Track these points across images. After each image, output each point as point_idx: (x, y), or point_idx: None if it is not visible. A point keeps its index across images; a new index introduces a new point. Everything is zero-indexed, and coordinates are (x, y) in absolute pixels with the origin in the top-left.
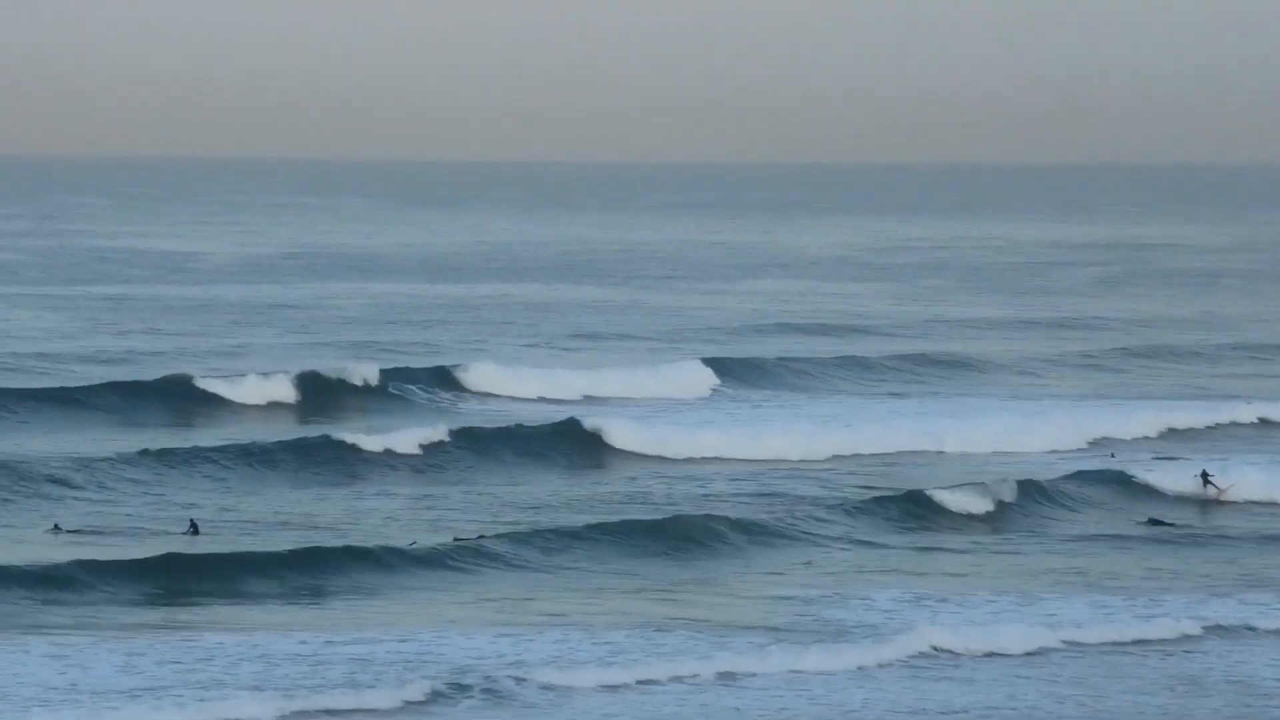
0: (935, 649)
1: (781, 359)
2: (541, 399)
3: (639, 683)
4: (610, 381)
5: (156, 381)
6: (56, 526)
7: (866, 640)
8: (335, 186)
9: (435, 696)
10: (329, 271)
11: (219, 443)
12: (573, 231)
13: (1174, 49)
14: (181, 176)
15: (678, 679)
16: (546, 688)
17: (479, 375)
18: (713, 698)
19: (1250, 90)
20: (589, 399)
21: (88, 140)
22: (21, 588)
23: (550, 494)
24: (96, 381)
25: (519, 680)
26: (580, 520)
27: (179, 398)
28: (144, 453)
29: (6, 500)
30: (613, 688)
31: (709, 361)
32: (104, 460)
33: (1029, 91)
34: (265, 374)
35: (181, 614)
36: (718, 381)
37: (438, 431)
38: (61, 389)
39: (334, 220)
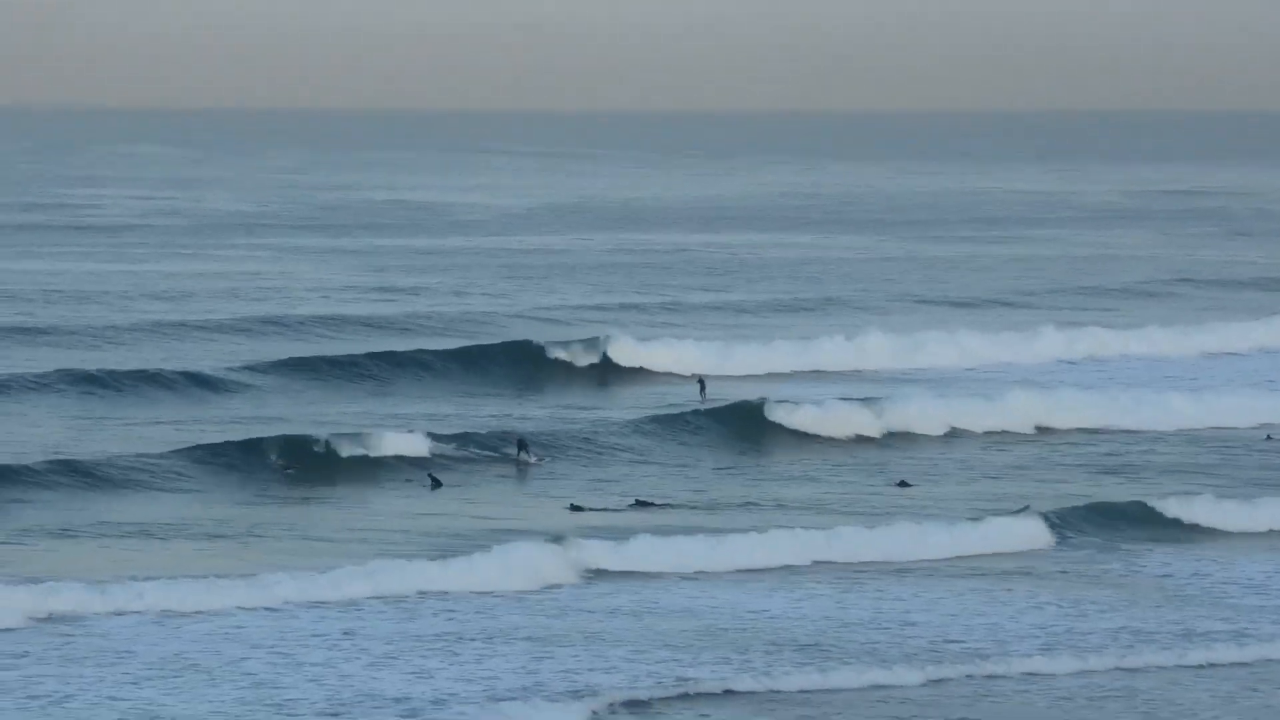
0: None
1: None
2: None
3: None
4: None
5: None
6: (574, 506)
7: None
8: (593, 140)
9: None
10: (637, 222)
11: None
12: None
13: None
14: (385, 128)
15: None
16: None
17: None
18: None
19: None
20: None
21: (272, 94)
22: None
23: None
24: (492, 341)
25: None
26: None
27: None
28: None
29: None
30: None
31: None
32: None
33: None
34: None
35: None
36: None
37: None
38: (464, 348)
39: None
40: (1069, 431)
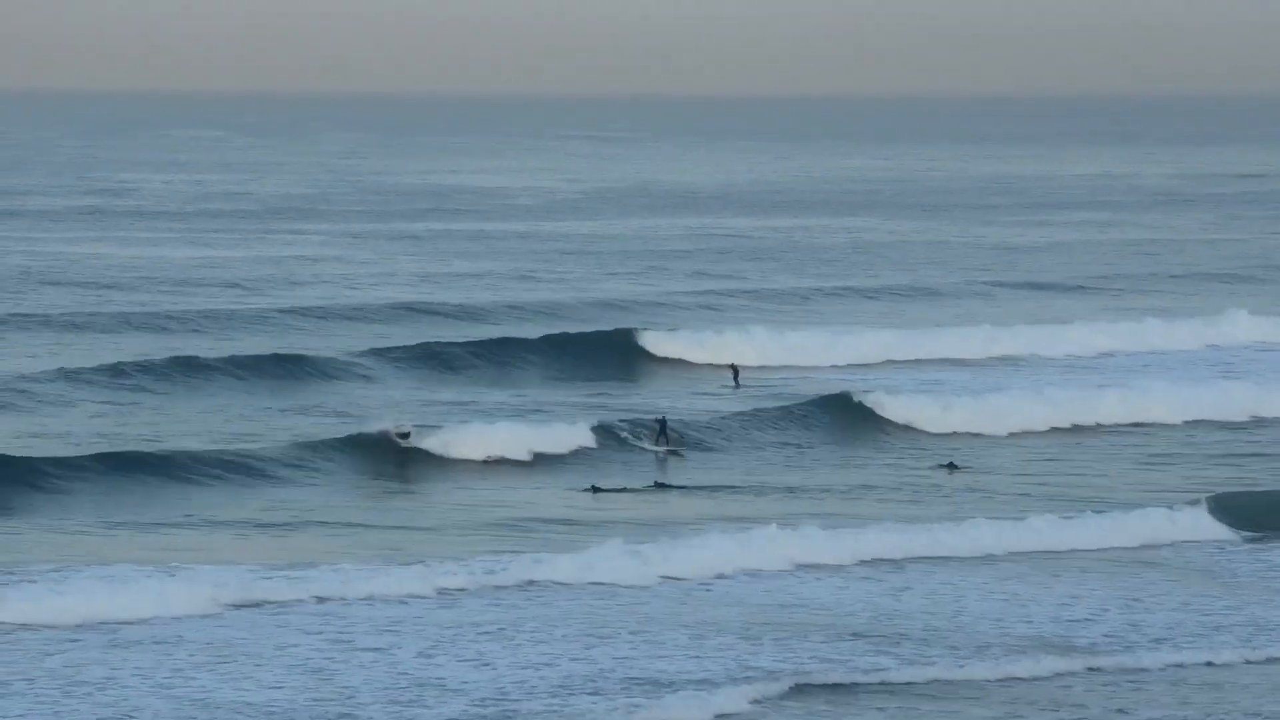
0: None
1: None
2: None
3: None
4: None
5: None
6: (594, 488)
7: None
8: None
9: None
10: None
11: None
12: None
13: None
14: (423, 113)
15: None
16: None
17: None
18: None
19: None
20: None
21: (311, 76)
22: None
23: None
24: (539, 333)
25: None
26: None
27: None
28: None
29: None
30: None
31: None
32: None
33: None
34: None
35: None
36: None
37: None
38: (562, 334)
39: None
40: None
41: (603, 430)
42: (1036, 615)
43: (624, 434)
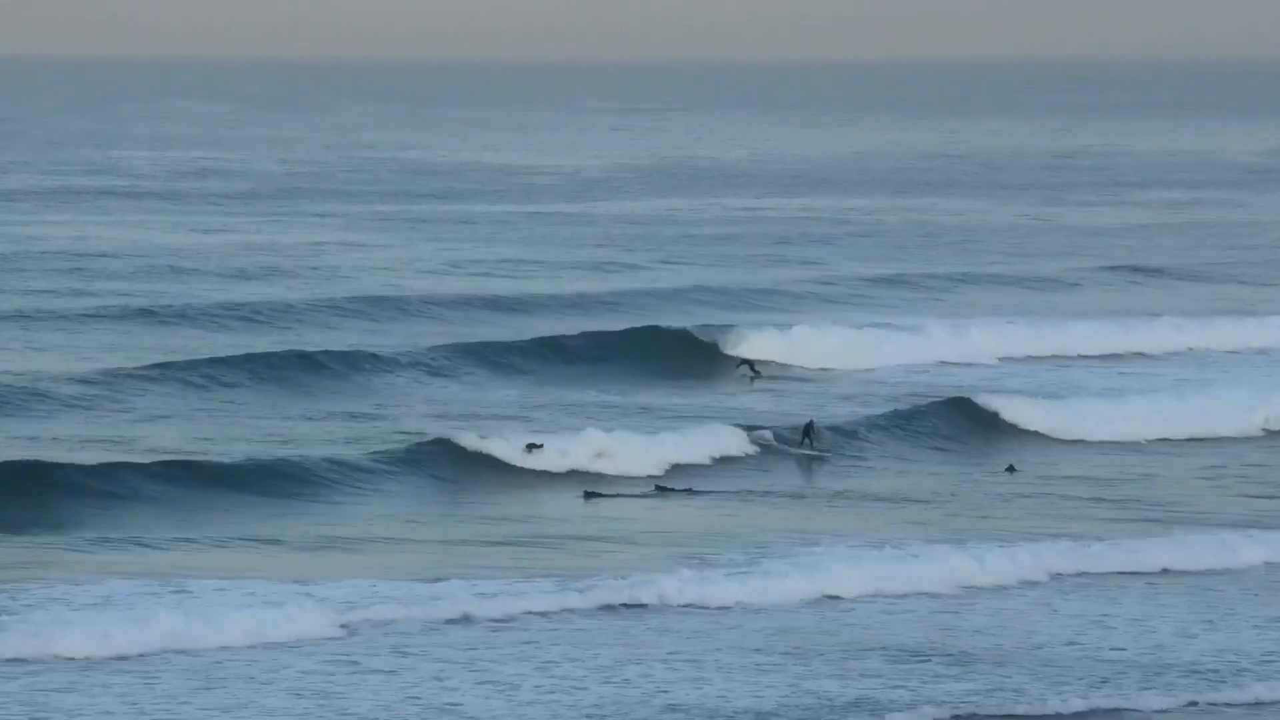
0: None
1: None
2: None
3: None
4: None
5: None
6: (587, 493)
7: None
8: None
9: None
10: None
11: None
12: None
13: None
14: (444, 81)
15: None
16: None
17: None
18: None
19: None
20: None
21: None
22: None
23: None
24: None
25: None
26: None
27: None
28: None
29: None
30: None
31: None
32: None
33: None
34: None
35: None
36: None
37: None
38: (648, 327)
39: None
40: None
41: (743, 434)
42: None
43: (766, 438)
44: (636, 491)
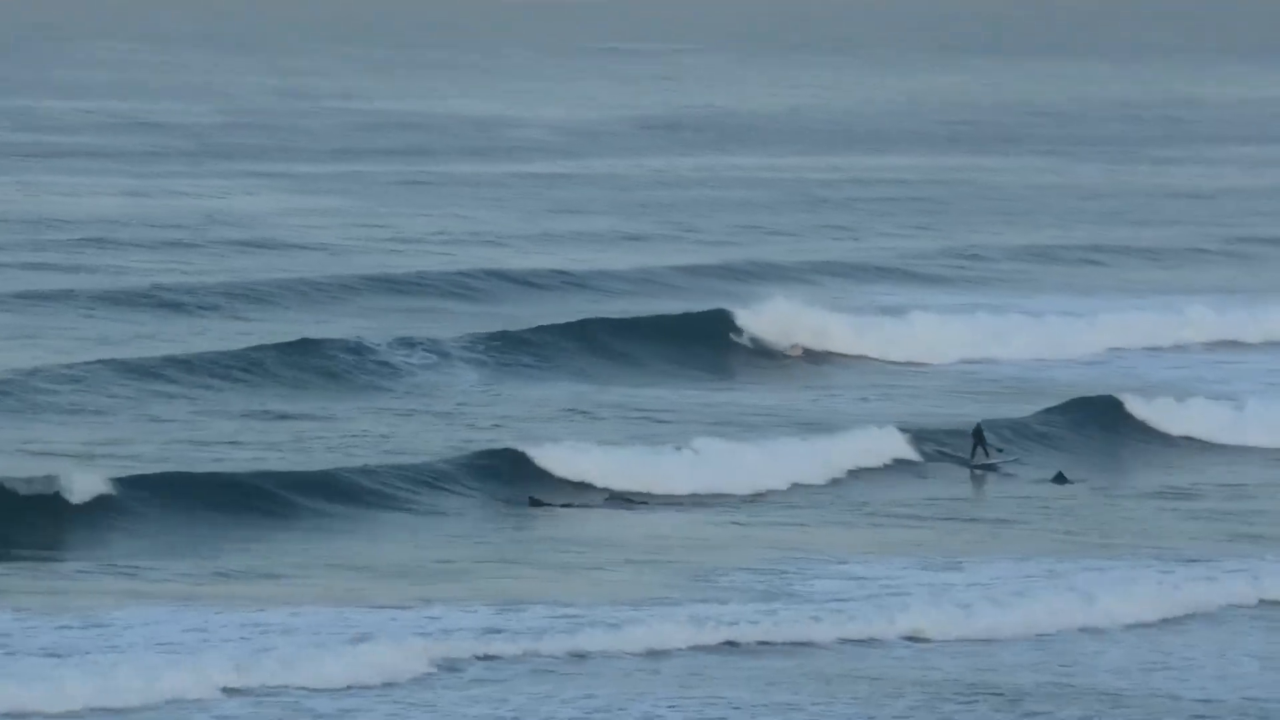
0: None
1: None
2: None
3: None
4: None
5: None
6: (532, 500)
7: None
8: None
9: None
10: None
11: None
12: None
13: None
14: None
15: None
16: None
17: None
18: None
19: None
20: None
21: None
22: None
23: None
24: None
25: None
26: None
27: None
28: None
29: None
30: None
31: None
32: None
33: None
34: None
35: None
36: None
37: None
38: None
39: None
40: None
41: (903, 438)
42: None
43: (932, 447)
44: (588, 502)
